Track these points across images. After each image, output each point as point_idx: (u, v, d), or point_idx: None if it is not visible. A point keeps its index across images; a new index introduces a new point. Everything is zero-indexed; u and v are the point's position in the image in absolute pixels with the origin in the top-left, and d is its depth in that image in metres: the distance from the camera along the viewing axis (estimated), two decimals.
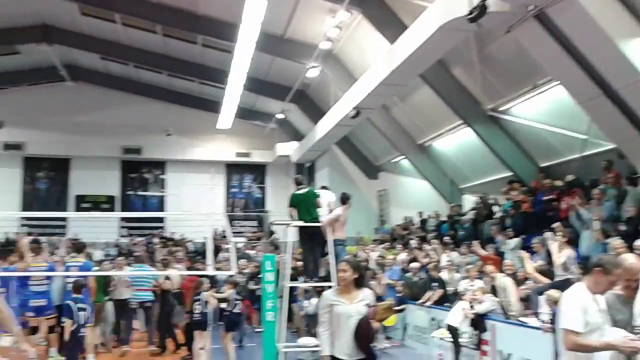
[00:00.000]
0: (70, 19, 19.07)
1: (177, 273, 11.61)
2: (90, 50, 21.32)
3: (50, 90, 24.47)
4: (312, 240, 9.57)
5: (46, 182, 25.32)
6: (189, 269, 11.53)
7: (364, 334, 4.74)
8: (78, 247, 10.26)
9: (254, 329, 13.02)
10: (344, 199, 9.80)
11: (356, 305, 4.81)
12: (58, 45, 20.68)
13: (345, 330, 4.74)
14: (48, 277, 9.44)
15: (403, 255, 15.30)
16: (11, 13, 18.42)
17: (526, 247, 12.04)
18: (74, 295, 8.50)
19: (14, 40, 20.46)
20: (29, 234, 22.98)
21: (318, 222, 9.36)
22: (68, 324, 8.12)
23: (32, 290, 9.38)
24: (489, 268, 10.06)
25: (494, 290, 9.75)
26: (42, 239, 22.21)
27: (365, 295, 4.92)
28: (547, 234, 10.28)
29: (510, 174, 14.64)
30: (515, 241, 11.97)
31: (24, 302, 9.27)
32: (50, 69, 22.73)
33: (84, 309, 8.34)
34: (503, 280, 9.58)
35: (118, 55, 21.33)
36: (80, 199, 24.96)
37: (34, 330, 9.35)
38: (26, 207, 24.06)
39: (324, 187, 10.90)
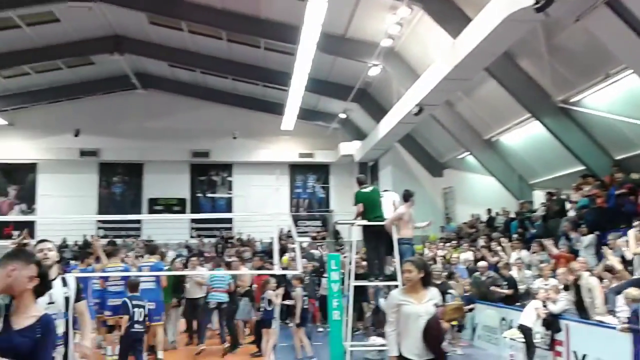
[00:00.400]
0: (140, 29, 19.89)
1: (248, 272, 11.91)
2: (159, 58, 22.17)
3: (123, 98, 25.64)
4: (377, 239, 9.54)
5: (121, 186, 26.49)
6: (258, 268, 11.75)
7: (434, 334, 4.68)
8: (151, 248, 10.67)
9: (316, 328, 13.10)
10: (406, 197, 9.73)
11: (425, 305, 4.75)
12: (129, 54, 21.64)
13: (414, 330, 4.68)
14: (123, 278, 9.84)
15: (468, 254, 15.02)
16: (85, 26, 19.40)
17: (602, 244, 11.56)
18: (130, 293, 8.88)
19: (89, 52, 21.56)
20: (105, 236, 24.34)
21: (382, 220, 9.32)
22: (124, 320, 8.48)
23: (110, 291, 9.85)
24: (576, 265, 9.52)
25: (566, 289, 9.39)
26: (118, 240, 23.58)
27: (433, 295, 4.86)
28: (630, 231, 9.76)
29: (582, 167, 14.05)
30: (589, 238, 11.48)
31: (102, 302, 9.77)
32: (122, 78, 23.80)
33: (141, 306, 8.65)
34: (589, 280, 9.02)
35: (185, 62, 22.06)
36: (153, 201, 25.99)
37: (112, 329, 9.83)
38: (102, 210, 25.29)
39: (386, 191, 10.87)
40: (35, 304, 3.45)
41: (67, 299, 4.30)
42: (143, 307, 8.68)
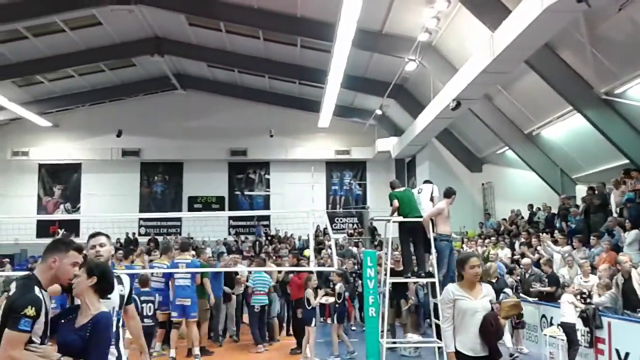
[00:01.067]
0: (179, 30, 20.24)
1: (282, 269, 11.98)
2: (198, 59, 22.54)
3: (163, 98, 26.19)
4: (413, 235, 9.50)
5: (161, 185, 27.05)
6: (295, 265, 11.81)
7: (491, 331, 4.65)
8: (184, 246, 10.81)
9: (350, 326, 13.10)
10: (448, 193, 9.64)
11: (481, 300, 4.71)
12: (169, 55, 22.06)
13: (470, 325, 4.65)
14: (164, 275, 10.04)
15: (506, 251, 14.79)
16: (126, 28, 19.87)
17: None
18: (141, 289, 9.20)
19: (130, 54, 22.07)
20: (147, 234, 24.91)
21: (419, 217, 9.28)
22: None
23: (152, 287, 10.09)
24: (623, 259, 9.16)
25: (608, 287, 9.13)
26: (159, 238, 24.09)
27: (488, 291, 4.85)
28: None
29: (626, 161, 13.64)
30: (633, 234, 11.15)
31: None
32: (162, 79, 24.30)
33: (150, 302, 9.09)
34: None
35: (223, 62, 22.36)
36: (193, 200, 26.46)
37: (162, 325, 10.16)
38: (144, 209, 25.90)
39: (427, 182, 10.76)
40: (98, 302, 3.50)
41: (122, 298, 4.07)
42: (152, 302, 9.12)
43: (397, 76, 18.53)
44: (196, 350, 9.76)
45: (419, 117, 19.33)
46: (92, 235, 4.24)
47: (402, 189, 9.71)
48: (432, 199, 9.69)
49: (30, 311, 3.17)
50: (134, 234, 24.78)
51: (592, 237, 12.16)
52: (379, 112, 22.59)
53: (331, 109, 20.82)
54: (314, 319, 9.79)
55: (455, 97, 15.03)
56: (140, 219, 25.48)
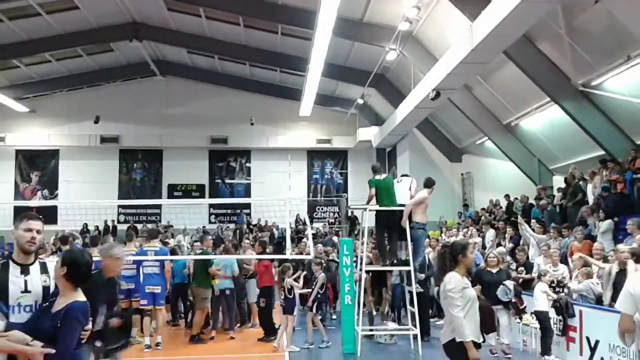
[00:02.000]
0: (158, 15, 19.97)
1: (259, 257, 11.83)
2: (178, 44, 22.27)
3: (142, 85, 25.90)
4: (388, 224, 9.56)
5: (141, 172, 26.81)
6: (260, 253, 11.65)
7: (488, 318, 4.75)
8: (152, 233, 10.73)
9: (330, 314, 13.14)
10: (429, 184, 9.76)
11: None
12: (148, 41, 21.76)
13: (474, 314, 4.74)
14: (135, 262, 9.93)
15: (477, 239, 14.91)
16: (104, 12, 19.55)
17: (622, 228, 11.40)
18: None
19: (108, 39, 21.74)
20: (126, 221, 24.71)
21: (396, 206, 9.32)
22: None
23: (123, 275, 10.01)
24: (622, 247, 9.02)
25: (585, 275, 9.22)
26: (138, 226, 23.91)
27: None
28: None
29: (603, 152, 13.81)
30: (607, 223, 11.32)
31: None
32: (141, 65, 24.00)
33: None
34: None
35: (203, 48, 22.13)
36: (173, 187, 26.28)
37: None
38: (123, 196, 25.62)
39: (404, 175, 10.83)
40: (72, 291, 3.53)
41: (45, 289, 3.64)
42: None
43: (378, 65, 18.51)
44: (158, 339, 9.75)
45: (399, 107, 19.37)
46: (28, 217, 3.70)
47: (382, 176, 9.72)
48: (409, 189, 9.76)
49: None
50: (112, 221, 24.56)
51: (562, 227, 12.35)
52: (360, 101, 22.57)
53: (312, 98, 20.76)
54: (295, 308, 9.80)
55: (435, 87, 15.07)
56: (119, 206, 25.26)
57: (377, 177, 9.58)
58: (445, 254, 4.90)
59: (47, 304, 3.52)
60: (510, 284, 9.10)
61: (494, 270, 9.35)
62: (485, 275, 9.27)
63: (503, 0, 10.68)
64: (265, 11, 17.63)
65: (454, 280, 4.74)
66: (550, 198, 15.47)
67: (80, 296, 3.53)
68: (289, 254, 9.03)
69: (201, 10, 18.81)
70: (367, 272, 10.17)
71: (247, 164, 26.99)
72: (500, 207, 17.96)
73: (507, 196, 18.04)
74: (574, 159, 15.87)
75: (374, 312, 11.35)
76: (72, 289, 3.51)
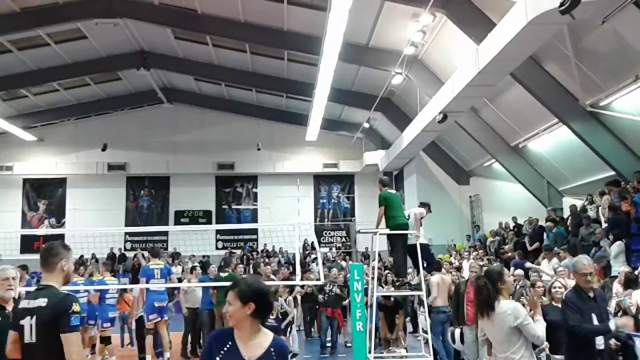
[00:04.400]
0: (165, 44, 20.18)
1: (272, 284, 11.79)
2: (185, 72, 22.47)
3: (150, 112, 26.07)
4: (402, 241, 9.41)
5: (148, 199, 26.79)
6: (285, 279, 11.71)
7: None
8: (154, 251, 10.68)
9: (345, 342, 12.88)
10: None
11: None
12: (155, 69, 21.97)
13: None
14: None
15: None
16: (112, 42, 19.76)
17: (633, 250, 11.26)
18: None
19: (115, 67, 21.96)
20: (133, 248, 24.62)
21: (404, 220, 9.22)
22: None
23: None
24: None
25: None
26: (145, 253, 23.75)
27: None
28: None
29: (612, 173, 13.71)
30: (617, 245, 11.16)
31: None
32: (148, 93, 24.19)
33: None
34: None
35: (210, 75, 22.31)
36: (180, 214, 26.21)
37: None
38: (130, 223, 25.57)
39: (422, 204, 10.65)
40: (260, 330, 2.98)
41: None
42: None
43: (383, 89, 18.58)
44: (167, 355, 9.73)
45: (406, 130, 19.37)
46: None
47: (392, 190, 9.60)
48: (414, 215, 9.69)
49: (76, 307, 3.46)
50: (120, 249, 24.50)
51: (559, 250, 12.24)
52: (366, 125, 22.62)
53: (319, 123, 20.81)
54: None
55: (442, 109, 15.07)
56: (126, 233, 25.18)
57: (389, 190, 9.45)
58: (487, 285, 4.72)
59: None
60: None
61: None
62: (551, 314, 5.69)
63: (509, 23, 10.72)
64: (271, 38, 17.77)
65: (519, 309, 4.60)
66: (559, 219, 15.36)
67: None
68: (299, 279, 8.89)
69: (208, 38, 19.00)
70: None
71: (254, 190, 26.95)
72: (510, 230, 17.81)
73: (514, 218, 17.92)
74: (583, 180, 15.76)
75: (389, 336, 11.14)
76: (258, 327, 3.06)
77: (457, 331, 8.48)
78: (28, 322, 3.43)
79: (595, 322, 4.90)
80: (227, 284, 10.08)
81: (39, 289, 3.58)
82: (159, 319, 9.91)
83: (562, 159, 16.07)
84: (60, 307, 3.41)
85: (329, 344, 11.79)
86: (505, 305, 4.61)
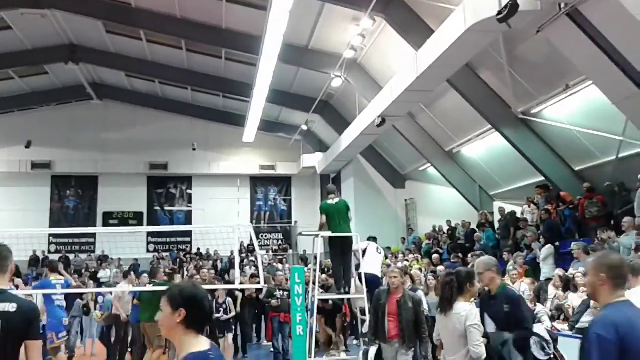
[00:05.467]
0: (96, 38, 19.34)
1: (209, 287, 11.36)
2: (116, 68, 21.63)
3: (78, 109, 24.92)
4: (342, 251, 9.34)
5: (74, 199, 25.59)
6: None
7: None
8: (52, 265, 10.14)
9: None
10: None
11: None
12: (84, 64, 21.02)
13: None
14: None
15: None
16: (39, 34, 18.75)
17: (563, 253, 11.69)
18: None
19: (42, 61, 20.85)
20: (58, 251, 23.45)
21: (348, 231, 9.15)
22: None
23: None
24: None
25: None
26: (71, 256, 22.77)
27: None
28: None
29: (542, 179, 14.24)
30: (547, 248, 11.58)
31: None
32: (77, 88, 23.11)
33: None
34: None
35: (143, 72, 21.56)
36: (108, 215, 25.19)
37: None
38: (54, 224, 24.31)
39: (370, 239, 10.70)
40: (193, 340, 2.59)
41: None
42: None
43: (322, 92, 18.56)
44: None
45: (344, 134, 19.42)
46: None
47: (335, 200, 9.45)
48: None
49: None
50: (43, 251, 23.23)
51: (504, 253, 12.68)
52: (304, 127, 22.54)
53: (256, 124, 20.55)
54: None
55: (380, 114, 15.18)
56: (50, 235, 23.93)
57: (330, 201, 9.34)
58: (452, 283, 4.71)
59: None
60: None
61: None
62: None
63: (447, 30, 10.91)
64: (209, 35, 17.37)
65: (475, 313, 4.59)
66: (490, 224, 15.86)
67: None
68: (238, 283, 8.63)
69: (142, 34, 18.34)
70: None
71: (188, 191, 26.27)
72: (444, 233, 18.18)
73: (448, 222, 18.31)
74: (514, 185, 16.32)
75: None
76: (190, 337, 2.67)
77: (373, 349, 6.37)
78: None
79: (488, 321, 4.80)
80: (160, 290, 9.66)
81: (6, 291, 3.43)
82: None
83: (494, 165, 16.57)
84: (31, 314, 3.37)
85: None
86: (462, 307, 4.63)
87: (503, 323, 4.73)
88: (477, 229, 15.84)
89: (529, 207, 14.18)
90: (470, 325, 4.52)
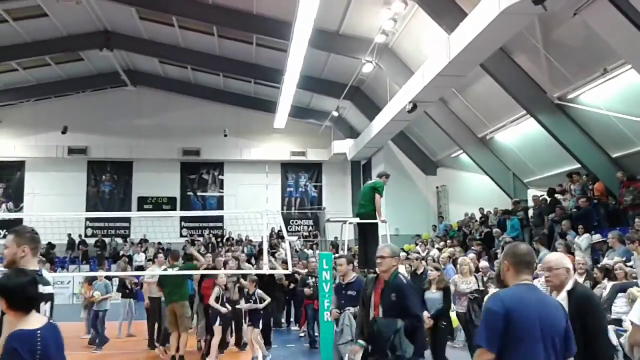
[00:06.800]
0: (130, 24, 19.54)
1: (235, 272, 11.35)
2: (150, 54, 21.83)
3: (112, 95, 25.32)
4: (363, 234, 9.35)
5: (110, 184, 26.08)
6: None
7: None
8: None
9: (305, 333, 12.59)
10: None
11: None
12: (118, 50, 21.31)
13: None
14: None
15: (449, 251, 14.79)
16: (74, 21, 19.05)
17: (601, 242, 11.42)
18: None
19: (77, 47, 21.18)
20: (94, 235, 24.05)
21: (364, 213, 9.09)
22: None
23: None
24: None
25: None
26: (107, 240, 23.33)
27: None
28: None
29: (578, 166, 13.88)
30: (586, 237, 11.30)
31: None
32: (112, 75, 23.47)
33: None
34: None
35: (176, 58, 21.72)
36: (143, 200, 25.62)
37: None
38: (90, 209, 24.89)
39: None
40: (22, 320, 3.01)
41: None
42: None
43: (353, 77, 18.41)
44: None
45: (375, 120, 19.26)
46: None
47: (370, 182, 9.58)
48: None
49: None
50: (80, 235, 23.86)
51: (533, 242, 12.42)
52: (335, 113, 22.44)
53: (287, 110, 20.53)
54: (218, 318, 9.40)
55: (412, 99, 14.98)
56: (86, 219, 24.53)
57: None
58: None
59: None
60: None
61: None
62: None
63: (480, 13, 10.63)
64: (240, 21, 17.36)
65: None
66: (524, 211, 15.56)
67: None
68: (266, 268, 8.68)
69: (174, 20, 18.46)
70: None
71: (220, 177, 26.52)
72: (476, 221, 17.95)
73: (481, 209, 18.06)
74: (548, 172, 15.96)
75: None
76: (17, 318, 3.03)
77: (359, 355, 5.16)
78: (42, 308, 3.36)
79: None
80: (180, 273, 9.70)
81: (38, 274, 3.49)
82: None
83: (528, 151, 16.23)
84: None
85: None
86: None
87: (391, 311, 4.73)
88: (507, 216, 15.56)
89: (563, 195, 13.84)
90: None
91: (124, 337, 12.50)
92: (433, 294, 8.01)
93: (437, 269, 8.36)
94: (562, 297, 3.82)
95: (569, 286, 3.82)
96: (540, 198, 14.90)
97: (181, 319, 9.40)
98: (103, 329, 11.29)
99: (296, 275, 12.62)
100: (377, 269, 5.05)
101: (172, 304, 9.53)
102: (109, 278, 13.33)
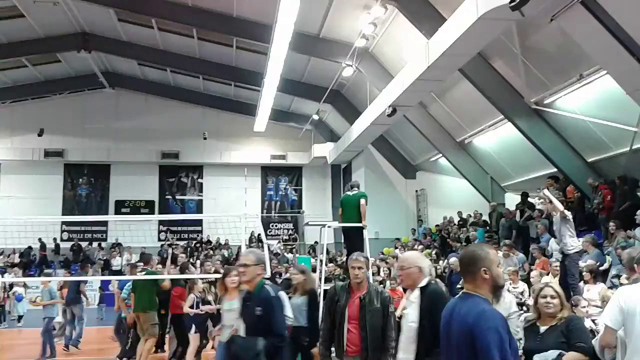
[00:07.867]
0: (109, 26, 19.34)
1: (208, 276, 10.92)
2: (128, 56, 21.65)
3: (90, 97, 25.04)
4: (349, 240, 9.41)
5: (87, 188, 25.76)
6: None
7: None
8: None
9: None
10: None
11: None
12: (97, 52, 21.07)
13: None
14: None
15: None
16: (51, 22, 18.81)
17: None
18: None
19: (55, 49, 20.92)
20: (70, 239, 23.69)
21: (352, 222, 9.15)
22: None
23: None
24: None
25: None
26: (83, 244, 22.97)
27: None
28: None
29: (554, 170, 14.06)
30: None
31: None
32: (89, 77, 23.22)
33: None
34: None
35: (155, 60, 21.57)
36: (120, 204, 25.34)
37: None
38: (67, 212, 24.54)
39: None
40: None
41: None
42: None
43: (334, 81, 18.45)
44: None
45: (355, 123, 19.32)
46: None
47: (352, 192, 9.57)
48: None
49: None
50: (55, 239, 23.49)
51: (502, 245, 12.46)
52: (315, 117, 22.46)
53: (267, 113, 20.50)
54: (193, 326, 9.06)
55: (391, 103, 15.05)
56: (62, 222, 24.17)
57: (349, 193, 9.57)
58: None
59: None
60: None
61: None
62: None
63: (459, 18, 10.74)
64: (220, 23, 17.30)
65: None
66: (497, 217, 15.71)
67: None
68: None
69: (153, 22, 18.33)
70: None
71: (199, 180, 26.36)
72: (454, 224, 18.08)
73: (459, 213, 18.20)
74: (526, 176, 16.14)
75: None
76: None
77: None
78: None
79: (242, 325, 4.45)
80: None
81: None
82: None
83: (506, 155, 16.41)
84: None
85: None
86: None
87: (254, 327, 4.22)
88: (488, 220, 15.70)
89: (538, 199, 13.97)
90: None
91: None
92: (297, 300, 6.40)
93: (302, 271, 6.74)
94: (415, 295, 4.07)
95: (422, 284, 4.05)
96: (513, 209, 14.99)
97: (145, 324, 9.20)
98: (52, 338, 10.68)
99: (276, 278, 12.58)
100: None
101: (138, 310, 9.28)
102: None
